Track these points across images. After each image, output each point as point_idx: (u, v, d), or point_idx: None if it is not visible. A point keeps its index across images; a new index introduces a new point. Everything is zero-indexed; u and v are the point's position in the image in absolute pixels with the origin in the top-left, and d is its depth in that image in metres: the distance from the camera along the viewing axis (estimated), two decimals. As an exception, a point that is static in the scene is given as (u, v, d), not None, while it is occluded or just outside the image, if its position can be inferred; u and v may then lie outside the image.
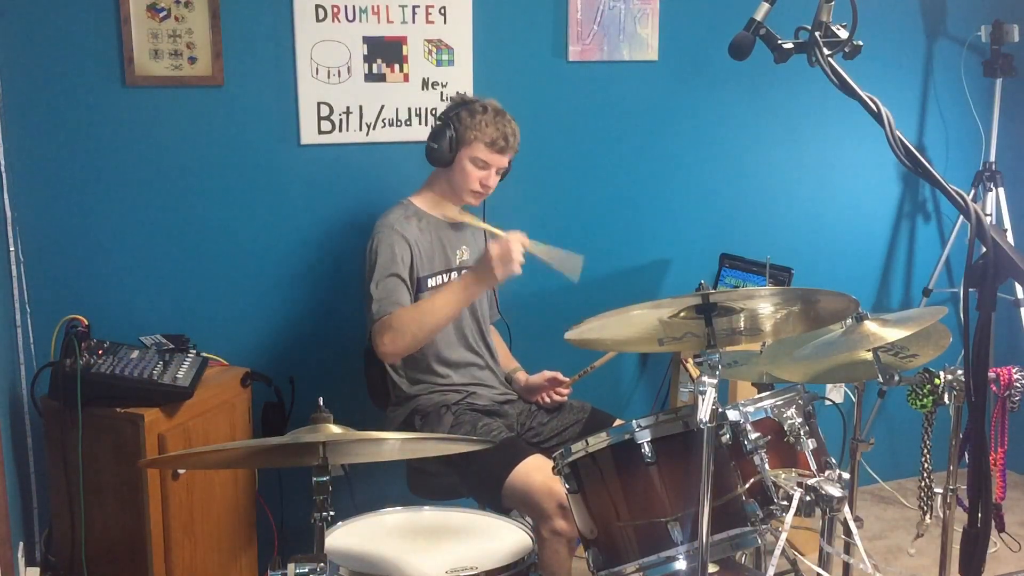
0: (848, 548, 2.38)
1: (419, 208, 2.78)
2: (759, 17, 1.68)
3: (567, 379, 2.88)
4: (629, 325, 2.06)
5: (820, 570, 2.13)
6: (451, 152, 2.69)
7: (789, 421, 2.09)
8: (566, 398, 2.89)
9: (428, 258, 2.73)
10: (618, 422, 2.79)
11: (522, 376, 2.95)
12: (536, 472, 2.43)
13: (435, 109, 3.14)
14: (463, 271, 2.73)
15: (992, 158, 3.79)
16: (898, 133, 1.56)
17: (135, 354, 2.54)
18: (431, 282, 2.73)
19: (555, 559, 2.45)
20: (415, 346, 2.64)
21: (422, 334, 2.61)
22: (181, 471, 2.48)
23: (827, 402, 2.59)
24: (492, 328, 3.01)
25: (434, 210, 2.79)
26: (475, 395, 2.78)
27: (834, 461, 2.15)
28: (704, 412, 1.78)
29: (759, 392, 2.26)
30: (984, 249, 1.47)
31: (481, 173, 2.71)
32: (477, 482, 2.60)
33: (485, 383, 2.83)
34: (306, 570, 1.74)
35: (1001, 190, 3.76)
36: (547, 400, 2.88)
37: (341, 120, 3.06)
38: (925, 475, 2.46)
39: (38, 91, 2.76)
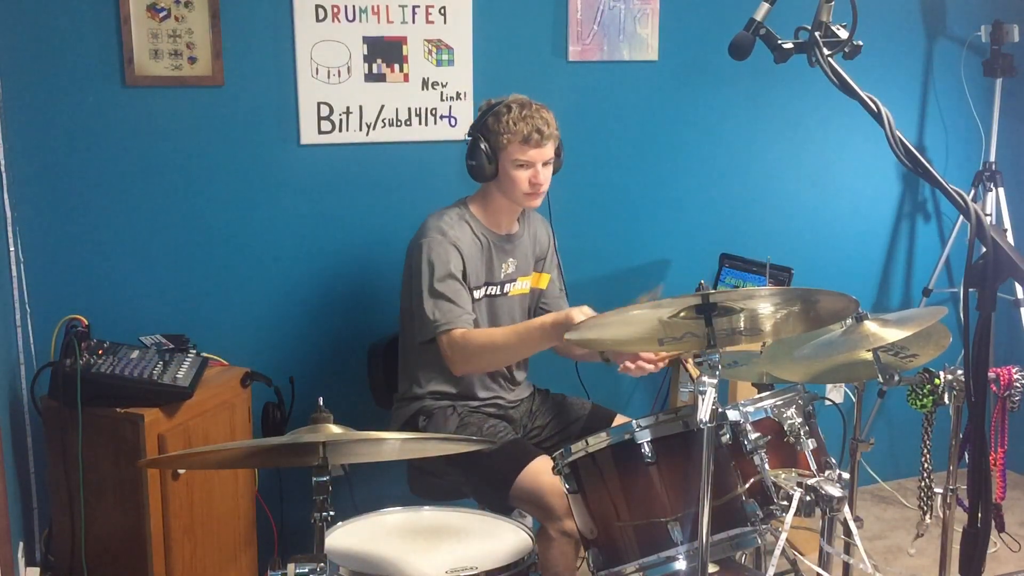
0: (848, 548, 2.38)
1: (476, 216, 2.70)
2: (759, 17, 1.69)
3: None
4: (629, 325, 2.06)
5: (820, 570, 2.13)
6: (492, 163, 2.61)
7: (789, 421, 2.09)
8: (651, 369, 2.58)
9: (475, 270, 2.67)
10: (619, 418, 2.80)
11: None
12: (545, 473, 2.42)
13: (435, 109, 3.14)
14: (547, 323, 2.47)
15: (992, 158, 3.79)
16: (898, 133, 1.56)
17: (135, 354, 2.54)
18: (475, 294, 2.68)
19: (563, 559, 2.45)
20: (485, 371, 2.70)
21: (492, 366, 2.68)
22: (181, 471, 2.48)
23: (827, 402, 2.58)
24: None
25: (489, 221, 2.71)
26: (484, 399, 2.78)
27: (834, 461, 2.15)
28: (704, 412, 1.78)
29: (759, 392, 2.26)
30: (984, 249, 1.47)
31: (527, 173, 2.61)
32: (484, 482, 2.59)
33: (499, 394, 2.81)
34: (306, 570, 1.74)
35: (1001, 190, 3.76)
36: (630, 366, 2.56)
37: (341, 120, 3.06)
38: (925, 475, 2.46)
39: (38, 91, 2.76)
